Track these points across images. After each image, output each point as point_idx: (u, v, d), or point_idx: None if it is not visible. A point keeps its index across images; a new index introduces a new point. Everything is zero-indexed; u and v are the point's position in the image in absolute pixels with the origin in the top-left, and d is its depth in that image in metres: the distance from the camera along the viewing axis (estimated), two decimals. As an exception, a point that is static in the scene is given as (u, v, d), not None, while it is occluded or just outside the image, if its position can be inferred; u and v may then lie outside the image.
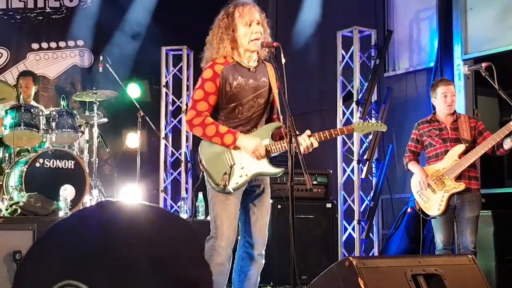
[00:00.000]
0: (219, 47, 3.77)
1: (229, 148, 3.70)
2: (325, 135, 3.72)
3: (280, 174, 3.85)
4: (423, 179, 5.29)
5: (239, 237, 3.88)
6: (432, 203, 5.27)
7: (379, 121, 3.94)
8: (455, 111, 5.45)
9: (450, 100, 5.36)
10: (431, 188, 5.28)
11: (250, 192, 3.83)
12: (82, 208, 0.96)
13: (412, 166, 5.45)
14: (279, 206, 6.26)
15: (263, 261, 3.87)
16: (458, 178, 5.21)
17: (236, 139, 3.67)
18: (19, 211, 5.42)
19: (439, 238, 5.27)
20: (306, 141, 3.64)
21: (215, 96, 3.73)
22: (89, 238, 0.88)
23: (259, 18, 3.77)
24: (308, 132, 3.68)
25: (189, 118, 3.74)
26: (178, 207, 7.57)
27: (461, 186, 5.20)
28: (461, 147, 5.25)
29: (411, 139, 5.55)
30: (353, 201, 7.48)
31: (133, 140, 7.84)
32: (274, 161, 3.82)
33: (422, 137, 5.48)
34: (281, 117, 3.82)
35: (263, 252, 3.85)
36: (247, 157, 3.71)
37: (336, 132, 3.80)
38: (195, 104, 3.72)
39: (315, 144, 3.66)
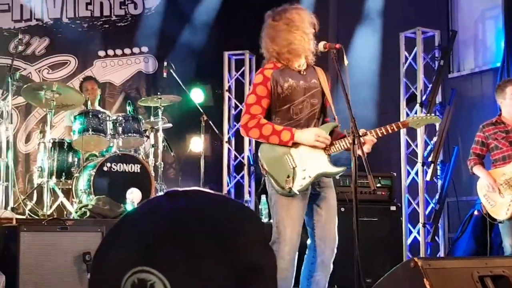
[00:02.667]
0: (271, 52, 3.85)
1: (287, 145, 3.70)
2: (381, 131, 3.71)
3: (342, 173, 3.82)
4: (492, 184, 5.17)
5: (308, 241, 3.87)
6: (499, 207, 5.15)
7: (432, 114, 3.91)
8: (522, 112, 5.32)
9: None
10: (498, 192, 5.16)
11: (315, 196, 3.82)
12: (151, 198, 1.00)
13: (478, 170, 5.33)
14: (342, 209, 6.18)
15: (332, 266, 3.83)
16: (527, 181, 5.08)
17: (294, 134, 3.68)
18: (88, 213, 5.56)
19: (507, 243, 5.14)
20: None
21: (268, 99, 3.78)
22: (158, 225, 0.92)
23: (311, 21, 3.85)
24: (362, 130, 3.63)
25: (244, 123, 3.78)
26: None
27: (529, 189, 5.07)
28: (529, 150, 5.12)
29: (476, 141, 5.43)
30: (417, 204, 7.38)
31: (197, 144, 7.95)
32: (336, 161, 3.81)
33: (488, 140, 5.35)
34: (336, 117, 3.83)
35: (333, 257, 3.81)
36: (308, 158, 3.71)
37: (392, 128, 3.76)
38: (249, 108, 3.77)
39: (373, 140, 3.65)
